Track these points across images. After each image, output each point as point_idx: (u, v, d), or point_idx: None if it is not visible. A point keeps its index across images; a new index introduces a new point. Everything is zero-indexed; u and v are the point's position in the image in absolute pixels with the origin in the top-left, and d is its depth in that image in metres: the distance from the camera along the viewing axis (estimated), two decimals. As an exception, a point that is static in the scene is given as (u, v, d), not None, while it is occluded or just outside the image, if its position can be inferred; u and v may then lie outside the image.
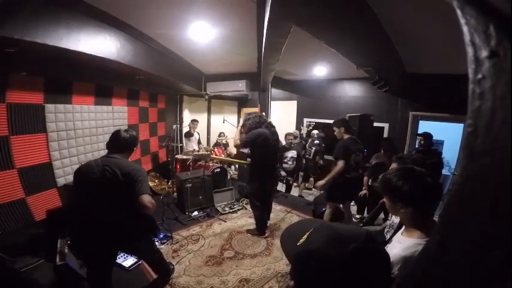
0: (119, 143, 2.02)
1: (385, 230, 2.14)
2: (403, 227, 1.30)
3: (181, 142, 6.29)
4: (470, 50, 0.35)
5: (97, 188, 1.87)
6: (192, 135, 6.07)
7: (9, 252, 2.22)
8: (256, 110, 5.77)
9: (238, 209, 4.50)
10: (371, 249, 0.63)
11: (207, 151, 5.83)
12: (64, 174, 3.42)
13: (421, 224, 1.17)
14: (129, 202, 1.82)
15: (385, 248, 1.27)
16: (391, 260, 1.11)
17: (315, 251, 0.63)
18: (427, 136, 3.98)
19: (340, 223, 0.72)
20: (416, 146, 4.38)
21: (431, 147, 3.99)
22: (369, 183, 3.93)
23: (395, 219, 2.03)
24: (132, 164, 2.02)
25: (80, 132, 3.67)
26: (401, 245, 1.17)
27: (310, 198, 5.06)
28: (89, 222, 1.91)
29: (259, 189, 3.43)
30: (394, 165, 2.35)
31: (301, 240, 0.69)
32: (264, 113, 5.67)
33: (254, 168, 3.39)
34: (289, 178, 5.70)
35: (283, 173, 5.48)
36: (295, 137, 5.56)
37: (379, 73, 3.72)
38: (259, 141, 3.20)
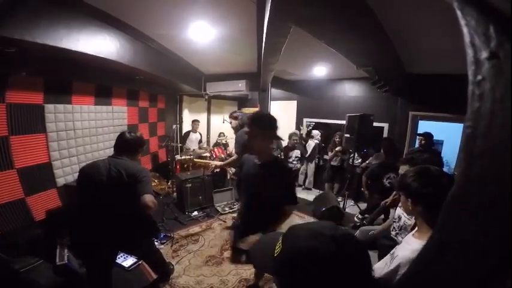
0: (124, 144, 2.04)
1: (394, 232, 2.12)
2: (416, 228, 1.28)
3: (181, 142, 6.29)
4: (470, 51, 0.35)
5: (102, 188, 1.87)
6: (190, 134, 6.10)
7: (8, 253, 2.22)
8: (256, 109, 5.78)
9: (238, 209, 4.50)
10: (345, 232, 0.65)
11: (206, 151, 5.84)
12: (64, 174, 3.42)
13: (433, 225, 1.10)
14: (132, 203, 1.82)
15: (395, 248, 1.27)
16: (399, 262, 1.10)
17: (299, 249, 0.63)
18: (428, 136, 3.98)
19: (304, 222, 0.73)
20: (416, 146, 4.38)
21: (431, 147, 3.98)
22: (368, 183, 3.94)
23: (407, 221, 2.01)
24: (138, 165, 2.04)
25: (80, 132, 3.66)
26: (410, 246, 1.15)
27: (310, 197, 5.05)
28: (90, 222, 1.91)
29: None
30: (403, 167, 2.29)
31: (277, 250, 0.68)
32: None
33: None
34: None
35: None
36: (298, 137, 5.58)
37: (379, 73, 3.72)
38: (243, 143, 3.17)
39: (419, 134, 4.18)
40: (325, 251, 0.60)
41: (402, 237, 1.97)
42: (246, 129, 3.26)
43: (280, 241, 0.69)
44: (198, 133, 6.29)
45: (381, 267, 1.19)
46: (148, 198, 1.80)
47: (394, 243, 1.92)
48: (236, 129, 3.34)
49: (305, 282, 0.61)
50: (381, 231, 2.57)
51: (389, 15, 2.30)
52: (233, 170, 6.04)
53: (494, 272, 0.35)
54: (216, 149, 5.99)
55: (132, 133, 2.09)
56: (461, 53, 0.37)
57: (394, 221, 2.19)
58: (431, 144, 4.00)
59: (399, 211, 2.17)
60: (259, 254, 0.79)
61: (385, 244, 2.09)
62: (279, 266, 0.67)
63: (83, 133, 3.72)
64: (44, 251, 2.40)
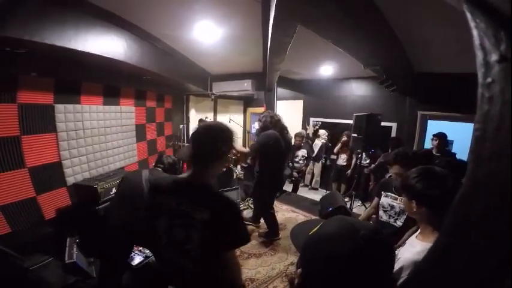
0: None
1: (393, 219, 2.14)
2: (419, 229, 1.25)
3: (187, 142, 6.33)
4: (479, 54, 0.35)
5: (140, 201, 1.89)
6: None
7: (18, 250, 2.26)
8: (263, 109, 5.78)
9: (244, 209, 4.51)
10: (379, 239, 0.64)
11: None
12: (73, 174, 3.47)
13: (438, 227, 1.09)
14: None
15: (398, 250, 1.25)
16: (402, 264, 1.09)
17: (326, 236, 0.65)
18: (441, 136, 3.82)
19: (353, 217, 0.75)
20: (430, 146, 4.19)
21: (445, 148, 3.85)
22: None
23: (402, 205, 2.02)
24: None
25: (89, 132, 3.72)
26: (414, 248, 1.13)
27: (316, 197, 5.02)
28: (116, 227, 1.96)
29: (270, 196, 3.39)
30: None
31: (313, 231, 0.70)
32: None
33: (264, 174, 3.15)
34: (300, 178, 5.75)
35: (295, 174, 5.50)
36: (303, 137, 5.58)
37: (387, 72, 3.67)
38: (271, 144, 2.96)
39: (435, 135, 3.95)
40: (346, 249, 0.60)
41: (401, 222, 2.06)
42: (272, 131, 2.99)
43: (321, 224, 0.72)
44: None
45: None
46: None
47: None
48: (259, 132, 3.17)
49: (318, 267, 0.62)
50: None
51: (398, 14, 2.27)
52: (239, 169, 6.08)
53: (504, 274, 0.35)
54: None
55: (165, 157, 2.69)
56: (470, 51, 0.36)
57: (386, 210, 2.19)
58: (445, 145, 3.85)
59: (387, 200, 2.19)
60: (299, 231, 0.82)
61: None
62: (308, 241, 0.69)
63: (92, 133, 3.77)
64: (54, 249, 2.44)
